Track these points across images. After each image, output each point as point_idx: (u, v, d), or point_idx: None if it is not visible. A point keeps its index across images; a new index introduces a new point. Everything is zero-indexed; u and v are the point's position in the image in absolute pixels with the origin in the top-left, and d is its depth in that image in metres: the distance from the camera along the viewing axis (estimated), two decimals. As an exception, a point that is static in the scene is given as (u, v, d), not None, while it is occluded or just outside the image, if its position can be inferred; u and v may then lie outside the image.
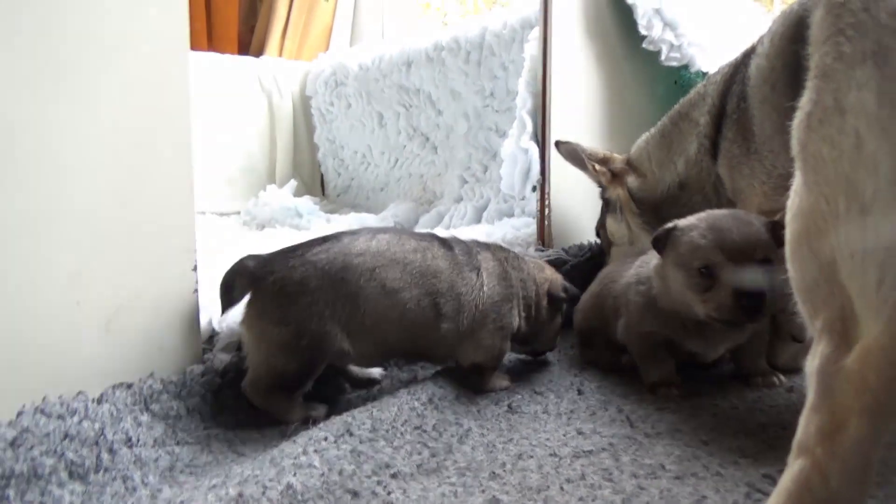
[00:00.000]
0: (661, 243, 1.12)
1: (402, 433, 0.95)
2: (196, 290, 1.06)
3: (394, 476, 0.84)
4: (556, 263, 1.56)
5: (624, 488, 0.81)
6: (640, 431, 0.99)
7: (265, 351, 1.00)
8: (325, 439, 0.89)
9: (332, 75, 3.36)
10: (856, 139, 0.54)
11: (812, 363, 0.56)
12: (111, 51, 0.95)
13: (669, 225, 1.11)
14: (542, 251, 1.73)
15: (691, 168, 1.39)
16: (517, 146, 1.71)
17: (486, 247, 1.24)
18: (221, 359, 1.07)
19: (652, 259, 1.19)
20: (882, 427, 0.51)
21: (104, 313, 0.96)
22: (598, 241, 1.75)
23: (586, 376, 1.26)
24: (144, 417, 0.94)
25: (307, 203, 2.96)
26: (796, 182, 0.63)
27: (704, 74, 1.81)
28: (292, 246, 1.06)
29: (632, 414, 1.07)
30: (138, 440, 0.89)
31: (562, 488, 0.81)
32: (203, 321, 1.11)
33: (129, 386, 0.96)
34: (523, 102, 1.76)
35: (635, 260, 1.29)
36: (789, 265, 0.62)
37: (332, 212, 3.11)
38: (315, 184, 3.64)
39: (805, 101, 0.61)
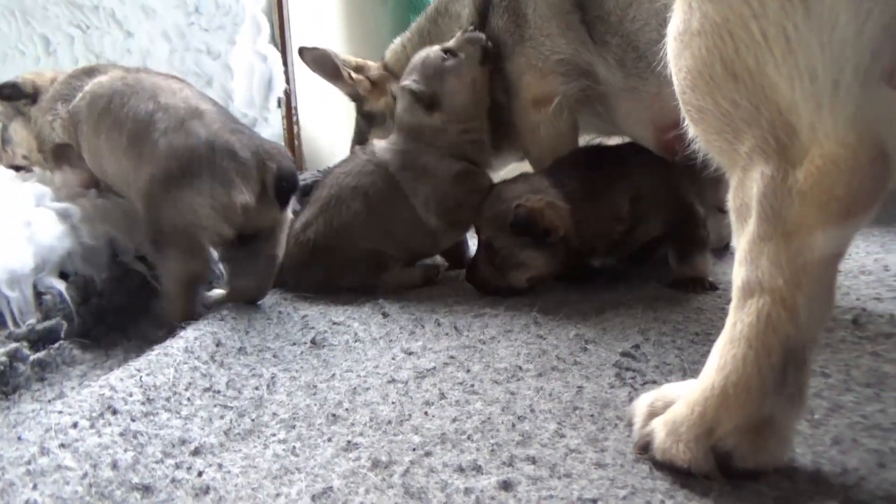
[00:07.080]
0: None
1: (188, 399, 0.69)
2: None
3: (196, 452, 0.60)
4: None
5: (496, 397, 0.68)
6: (474, 339, 0.88)
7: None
8: (75, 426, 0.59)
9: (-37, -11, 2.55)
10: None
11: (746, 192, 0.48)
12: None
13: None
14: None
15: None
16: (253, 52, 1.43)
17: None
18: None
19: None
20: (848, 238, 0.46)
21: None
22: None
23: (384, 298, 1.11)
24: None
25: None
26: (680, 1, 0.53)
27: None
28: None
29: (455, 324, 0.94)
30: None
31: (426, 413, 0.65)
32: None
33: None
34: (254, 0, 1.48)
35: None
36: (689, 97, 0.52)
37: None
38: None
39: None
